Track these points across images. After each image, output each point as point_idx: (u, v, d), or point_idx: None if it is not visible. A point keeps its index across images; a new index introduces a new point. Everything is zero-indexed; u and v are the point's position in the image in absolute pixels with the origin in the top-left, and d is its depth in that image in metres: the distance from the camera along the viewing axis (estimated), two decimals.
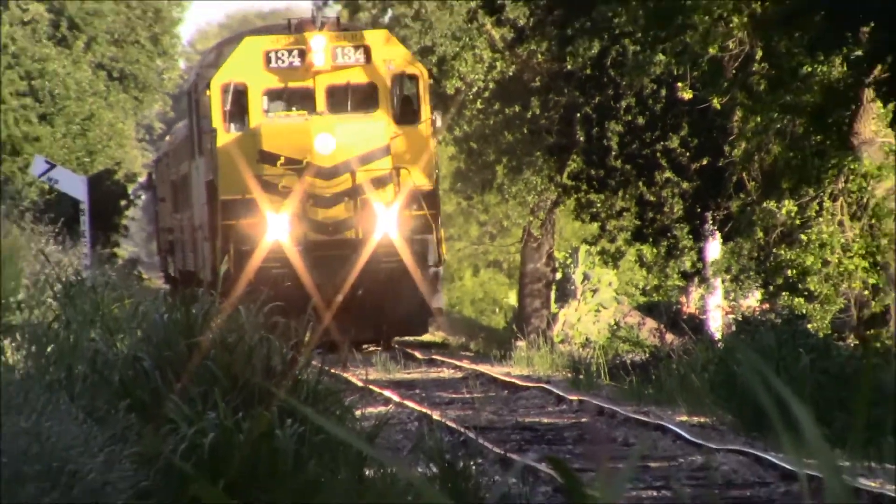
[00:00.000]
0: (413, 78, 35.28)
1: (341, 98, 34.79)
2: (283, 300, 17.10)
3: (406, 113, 35.04)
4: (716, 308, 38.76)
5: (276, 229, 33.45)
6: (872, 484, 16.47)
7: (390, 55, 35.08)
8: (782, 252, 30.15)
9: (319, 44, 34.40)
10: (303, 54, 34.50)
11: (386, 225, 33.77)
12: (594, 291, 42.12)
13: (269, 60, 34.61)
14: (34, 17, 53.40)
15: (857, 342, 27.39)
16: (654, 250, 40.23)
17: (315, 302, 27.80)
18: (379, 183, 33.88)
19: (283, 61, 34.58)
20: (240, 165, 33.53)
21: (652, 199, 39.66)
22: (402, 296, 33.74)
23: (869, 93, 28.14)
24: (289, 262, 33.08)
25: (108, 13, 56.14)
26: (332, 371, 16.71)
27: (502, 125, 42.93)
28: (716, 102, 33.10)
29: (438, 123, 36.14)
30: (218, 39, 52.32)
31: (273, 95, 35.06)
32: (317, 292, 31.13)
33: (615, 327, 38.01)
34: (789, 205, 29.96)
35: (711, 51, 30.93)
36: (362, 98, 34.87)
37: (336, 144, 33.58)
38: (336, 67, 34.60)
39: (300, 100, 34.91)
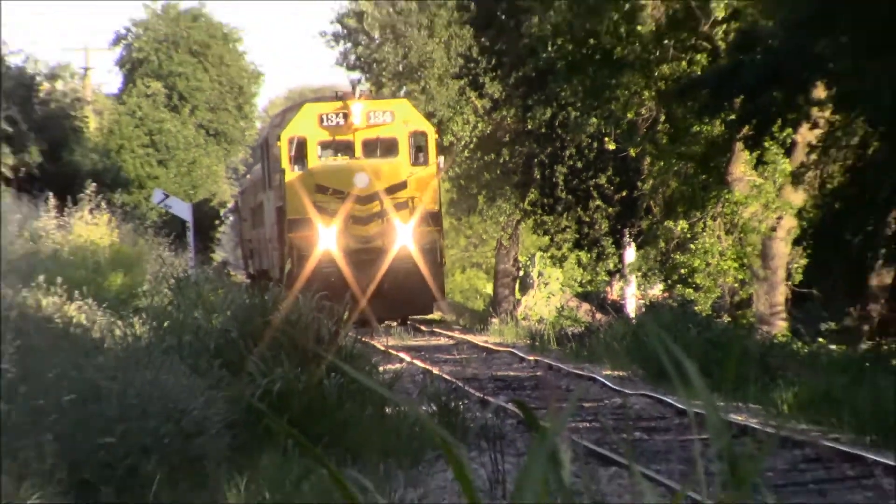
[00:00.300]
0: (423, 133, 35.16)
1: (373, 147, 34.68)
2: (330, 291, 17.05)
3: (419, 158, 34.94)
4: (631, 296, 38.73)
5: (326, 240, 33.35)
6: (740, 418, 16.45)
7: (408, 117, 34.97)
8: (677, 257, 30.11)
9: (358, 109, 34.30)
10: (346, 116, 34.38)
11: (404, 237, 33.67)
12: (546, 284, 42.02)
13: (321, 120, 34.50)
14: (154, 92, 53.40)
15: (729, 319, 27.37)
16: (588, 255, 40.22)
17: (353, 292, 27.74)
18: (400, 207, 33.77)
19: (332, 121, 34.45)
20: (301, 194, 33.44)
21: (586, 219, 39.65)
22: (415, 288, 33.64)
23: (739, 145, 28.11)
24: (335, 264, 32.97)
25: (206, 89, 56.12)
26: (364, 339, 16.69)
27: (482, 167, 42.87)
28: (632, 152, 33.12)
29: (441, 165, 36.06)
30: (282, 107, 52.09)
31: (324, 145, 34.92)
32: (355, 285, 31.04)
33: (561, 309, 37.98)
34: (683, 224, 29.93)
35: (629, 115, 30.92)
36: (388, 147, 34.76)
37: (369, 180, 33.46)
38: (370, 126, 34.49)
39: (344, 149, 34.79)
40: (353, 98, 34.71)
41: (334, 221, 33.33)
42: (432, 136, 35.28)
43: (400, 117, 34.76)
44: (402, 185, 34.05)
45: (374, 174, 33.64)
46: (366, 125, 34.45)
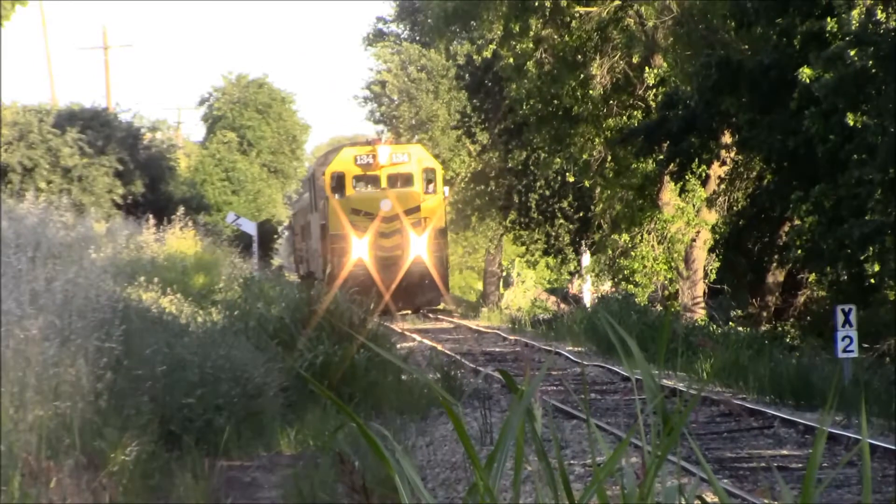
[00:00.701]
0: (432, 170, 34.95)
1: (395, 180, 34.46)
2: (361, 288, 16.89)
3: (429, 188, 34.72)
4: (587, 290, 38.57)
5: (358, 250, 33.20)
6: (670, 382, 16.30)
7: (421, 158, 34.78)
8: (621, 261, 29.99)
9: (384, 151, 34.13)
10: (374, 157, 34.18)
11: (418, 248, 33.53)
12: (523, 282, 41.83)
13: (356, 160, 34.30)
14: (229, 140, 53.52)
15: (661, 308, 27.22)
16: (554, 260, 40.11)
17: (379, 288, 27.58)
18: (415, 225, 33.63)
19: (364, 161, 34.25)
20: (340, 215, 33.29)
21: (553, 233, 39.51)
22: (426, 285, 33.52)
23: (667, 178, 28.02)
24: (366, 268, 32.81)
25: (268, 138, 56.16)
26: (386, 324, 16.54)
27: (475, 195, 42.82)
28: (586, 183, 32.94)
29: (446, 194, 35.87)
30: (325, 151, 51.93)
31: (358, 179, 34.68)
32: (380, 283, 30.90)
33: (534, 300, 37.82)
34: (625, 236, 29.80)
35: (584, 156, 30.81)
36: (406, 180, 34.53)
37: (392, 204, 33.36)
38: (392, 164, 34.28)
39: (373, 181, 34.57)
40: (380, 143, 34.64)
41: (365, 235, 33.20)
42: (439, 172, 35.18)
43: (415, 158, 34.66)
44: (417, 209, 33.92)
45: (396, 200, 33.52)
46: (389, 164, 34.29)
